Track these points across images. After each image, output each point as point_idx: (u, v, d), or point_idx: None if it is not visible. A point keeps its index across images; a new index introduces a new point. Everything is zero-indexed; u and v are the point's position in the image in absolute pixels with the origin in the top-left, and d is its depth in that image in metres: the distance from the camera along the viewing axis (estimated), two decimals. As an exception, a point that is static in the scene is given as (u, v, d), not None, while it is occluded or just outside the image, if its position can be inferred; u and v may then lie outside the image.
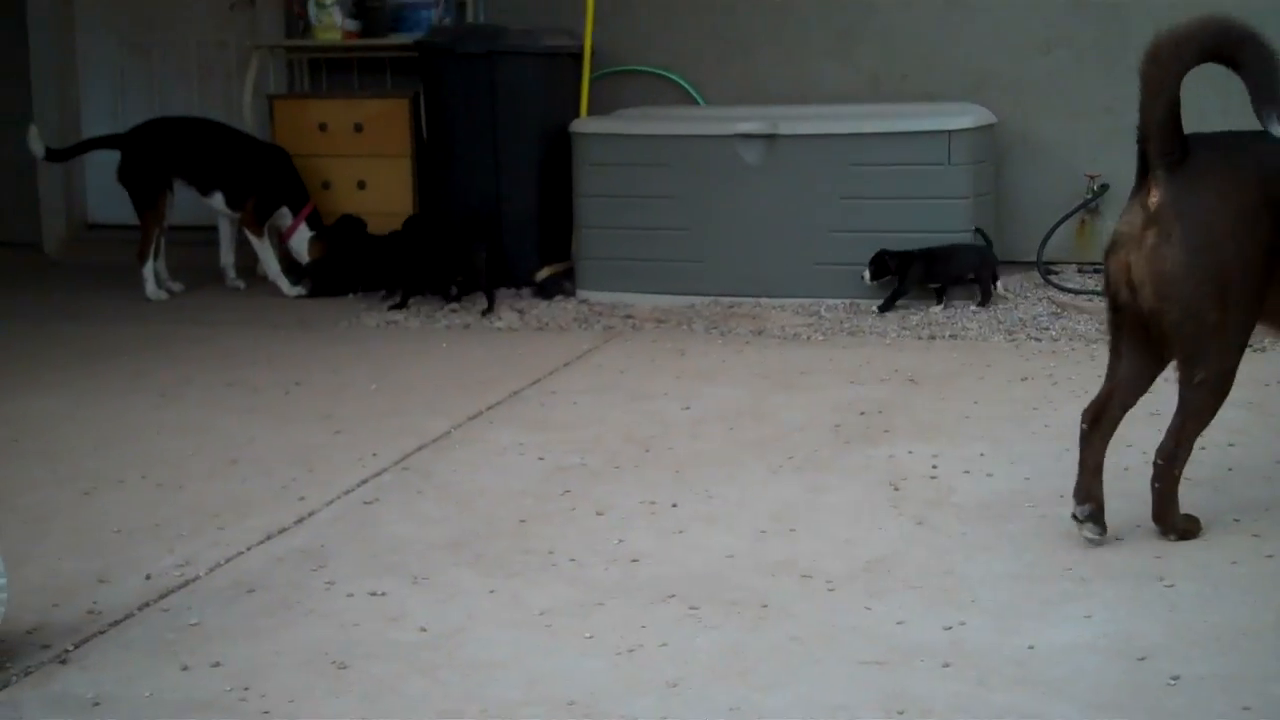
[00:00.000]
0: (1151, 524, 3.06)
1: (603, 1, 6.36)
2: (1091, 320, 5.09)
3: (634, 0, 6.55)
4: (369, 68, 6.96)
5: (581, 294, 5.82)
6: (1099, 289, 5.48)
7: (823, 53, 6.36)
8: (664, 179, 5.73)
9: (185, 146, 6.13)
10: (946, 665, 2.48)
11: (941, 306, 5.32)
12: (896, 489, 3.41)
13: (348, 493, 3.48)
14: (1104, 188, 5.91)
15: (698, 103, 6.49)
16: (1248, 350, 4.54)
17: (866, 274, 5.33)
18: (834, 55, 6.35)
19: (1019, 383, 4.31)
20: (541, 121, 6.09)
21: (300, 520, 3.30)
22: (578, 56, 6.28)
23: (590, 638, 2.64)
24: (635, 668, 2.52)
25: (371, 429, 4.00)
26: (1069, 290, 5.50)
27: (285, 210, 6.15)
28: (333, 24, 6.71)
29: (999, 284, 5.46)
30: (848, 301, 5.48)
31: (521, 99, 6.06)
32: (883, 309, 5.30)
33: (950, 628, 2.63)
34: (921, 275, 5.33)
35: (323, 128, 6.45)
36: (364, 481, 3.56)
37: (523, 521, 3.27)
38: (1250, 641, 2.53)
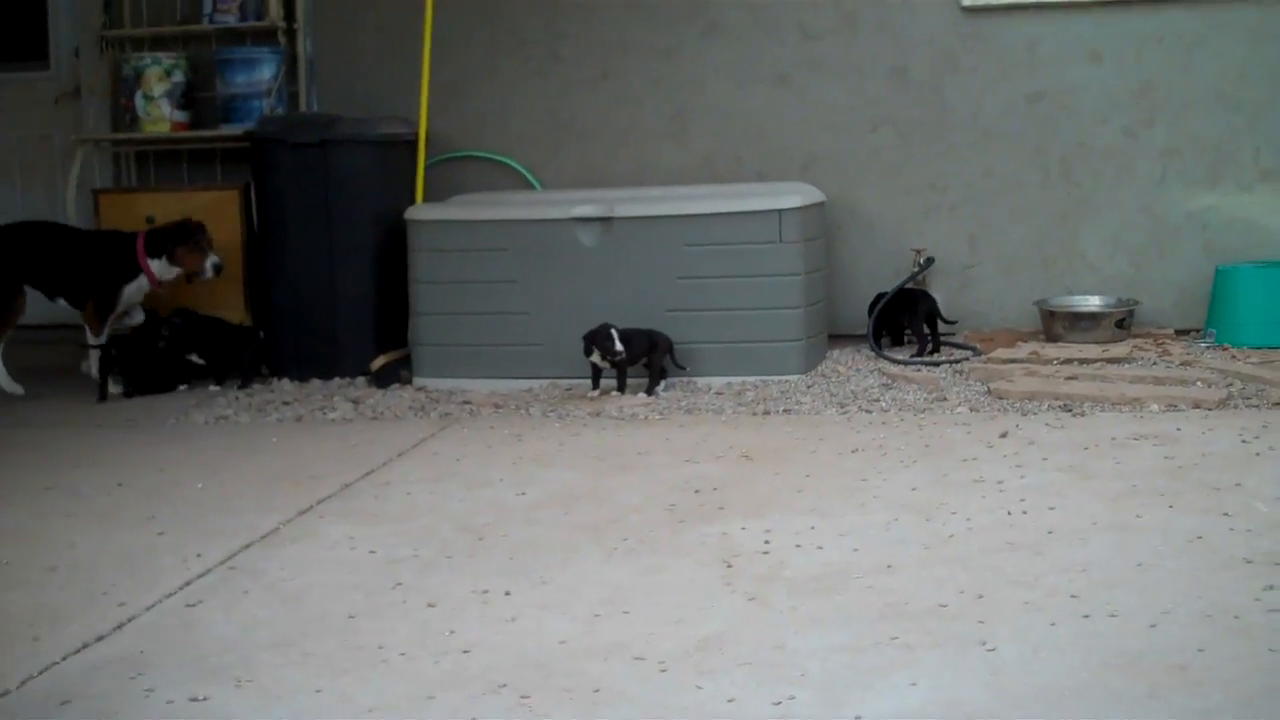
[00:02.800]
0: (980, 590, 3.12)
1: (437, 88, 6.39)
2: (920, 390, 5.21)
3: (469, 87, 6.59)
4: (199, 159, 6.88)
5: (418, 381, 5.78)
6: (928, 360, 5.63)
7: (657, 135, 6.46)
8: (501, 264, 5.74)
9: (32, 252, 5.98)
10: (775, 742, 2.49)
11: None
12: (729, 566, 3.42)
13: (170, 595, 3.37)
14: (929, 261, 6.07)
15: (534, 187, 6.53)
16: (1065, 414, 4.74)
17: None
18: (668, 137, 6.45)
19: (850, 454, 4.38)
20: (376, 209, 6.07)
21: (119, 626, 3.18)
22: (412, 143, 6.28)
23: (418, 734, 2.59)
24: (463, 762, 2.47)
25: (197, 529, 3.90)
26: (899, 362, 5.63)
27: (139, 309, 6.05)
28: (161, 116, 6.62)
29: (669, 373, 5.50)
30: (684, 380, 5.52)
31: (356, 187, 6.03)
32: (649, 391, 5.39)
33: (779, 703, 2.64)
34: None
35: (150, 221, 6.33)
36: (188, 583, 3.45)
37: (352, 617, 3.20)
38: (1071, 701, 2.57)
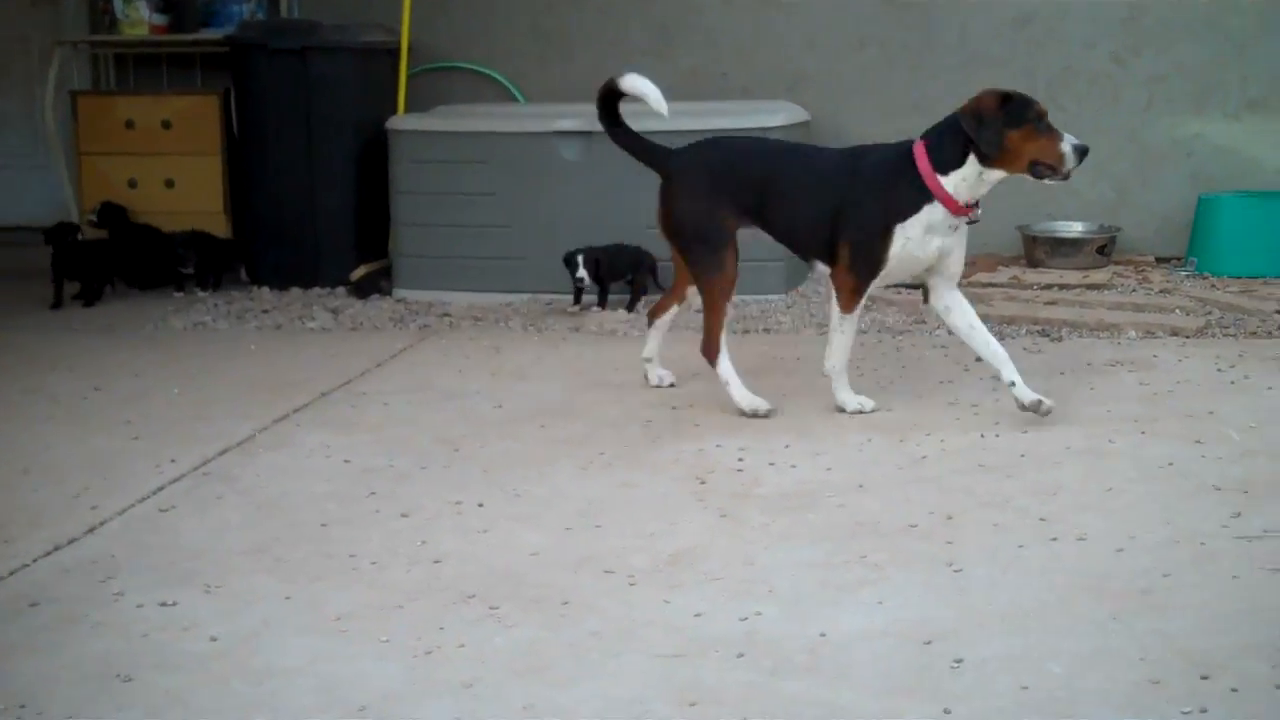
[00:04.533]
0: (950, 511, 3.15)
1: (421, -3, 6.31)
2: (900, 312, 5.21)
3: (453, -4, 6.50)
4: (178, 63, 6.79)
5: (398, 293, 5.76)
6: (909, 283, 5.61)
7: (642, 50, 6.39)
8: (483, 176, 5.70)
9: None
10: (741, 655, 2.51)
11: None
12: (703, 482, 3.44)
13: (143, 500, 3.38)
14: (914, 183, 6.03)
15: (517, 100, 6.47)
16: (1043, 339, 4.74)
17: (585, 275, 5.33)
18: (653, 53, 6.38)
19: (827, 375, 4.37)
20: (358, 118, 6.01)
21: (91, 530, 3.19)
22: (395, 52, 6.20)
23: (386, 641, 2.60)
24: (431, 670, 2.49)
25: (172, 434, 3.90)
26: (881, 284, 5.62)
27: None
28: (140, 18, 6.51)
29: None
30: (666, 297, 5.50)
31: (336, 95, 5.96)
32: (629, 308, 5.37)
33: (746, 618, 2.66)
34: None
35: (129, 125, 6.26)
36: (161, 488, 3.46)
37: (325, 525, 3.21)
38: (1034, 622, 2.60)
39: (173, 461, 3.65)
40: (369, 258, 5.95)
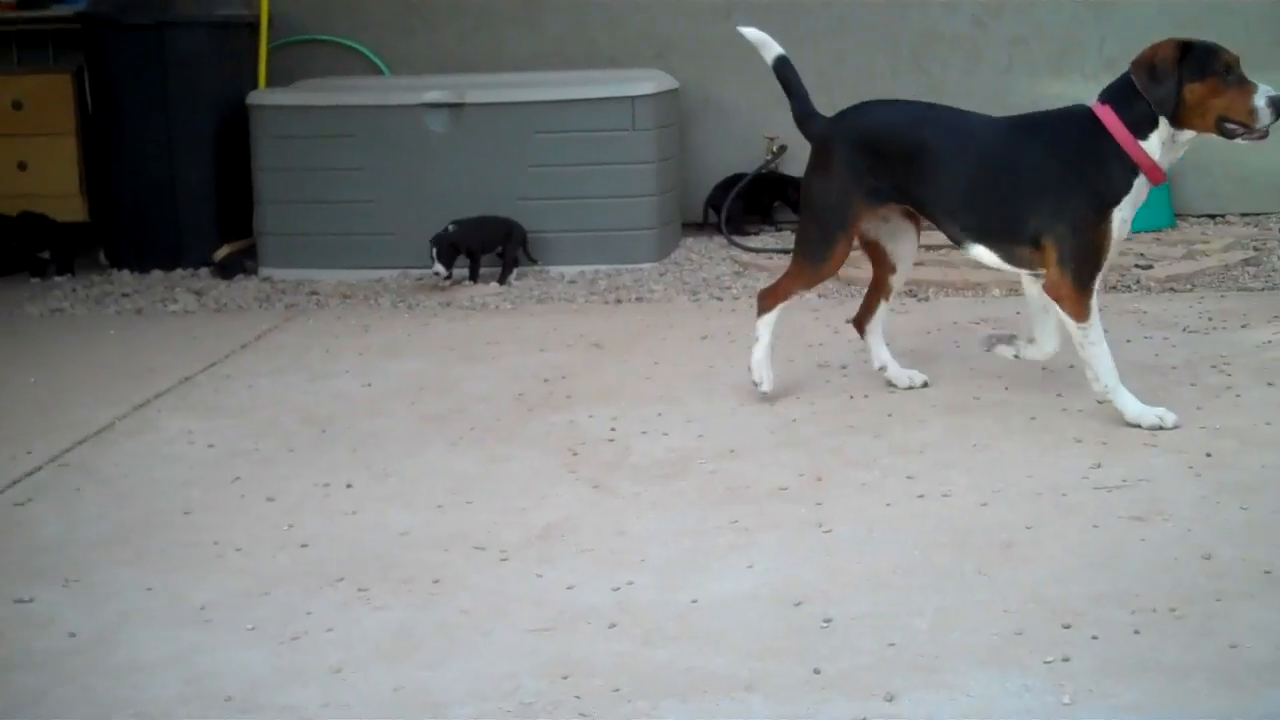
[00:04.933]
0: (819, 473, 3.18)
1: (281, -31, 6.18)
2: (772, 278, 5.22)
3: (313, -32, 6.37)
4: (29, 41, 6.55)
5: (264, 272, 5.64)
6: (780, 248, 5.66)
7: (509, 20, 6.32)
8: (349, 151, 5.60)
9: None
10: (613, 626, 2.50)
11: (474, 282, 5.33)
12: (575, 454, 3.42)
13: (-3, 494, 3.28)
14: (783, 148, 6.07)
15: (383, 72, 6.37)
16: (911, 299, 4.80)
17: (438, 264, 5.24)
18: (521, 23, 6.32)
19: (699, 342, 4.39)
20: (217, 94, 5.88)
21: (-57, 527, 3.08)
22: (254, 26, 6.07)
23: (252, 629, 2.55)
24: (298, 656, 2.45)
25: (28, 424, 3.78)
26: (751, 250, 5.65)
27: None
28: (-14, -5, 6.29)
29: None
30: (538, 269, 5.48)
31: (195, 71, 5.82)
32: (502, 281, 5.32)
33: (618, 588, 2.66)
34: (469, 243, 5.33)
35: (17, 107, 6.04)
36: (15, 481, 3.35)
37: (188, 513, 3.14)
38: (900, 579, 2.63)
39: (29, 453, 3.54)
40: (233, 237, 5.82)
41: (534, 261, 5.44)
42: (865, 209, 3.54)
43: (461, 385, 4.03)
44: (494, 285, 5.29)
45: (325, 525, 3.04)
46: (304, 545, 2.93)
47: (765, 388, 3.69)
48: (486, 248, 5.36)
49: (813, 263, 3.61)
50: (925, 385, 3.76)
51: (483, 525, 3.00)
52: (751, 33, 3.89)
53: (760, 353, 3.70)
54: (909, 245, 3.75)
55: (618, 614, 2.55)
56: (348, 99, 5.68)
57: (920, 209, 3.56)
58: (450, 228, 5.26)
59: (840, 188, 3.52)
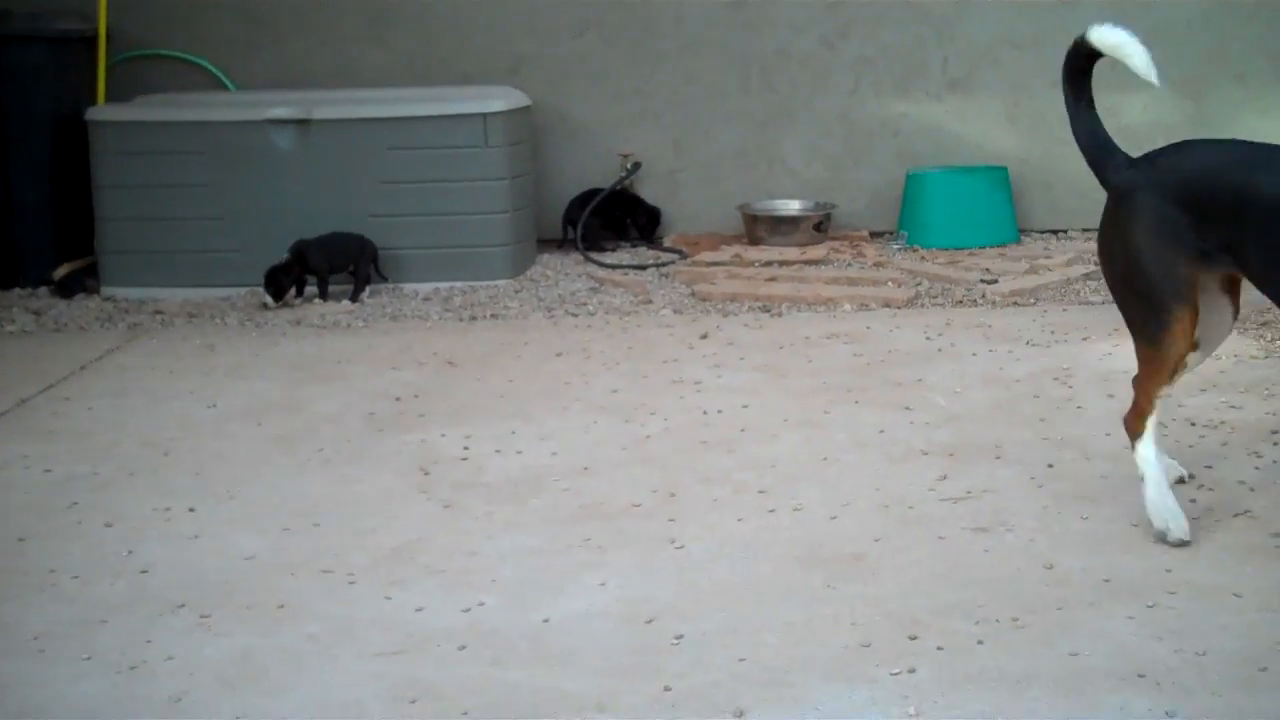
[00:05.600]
0: (672, 489, 3.18)
1: (120, -19, 6.03)
2: (627, 294, 5.24)
3: (156, -20, 6.22)
4: None
5: (106, 291, 5.47)
6: (635, 264, 5.67)
7: (358, 36, 6.24)
8: (193, 167, 5.47)
9: None
10: (463, 648, 2.47)
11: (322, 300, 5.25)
12: (427, 473, 3.38)
13: None
14: (637, 165, 6.09)
15: (227, 87, 6.23)
16: (765, 315, 4.85)
17: (269, 298, 5.14)
18: (369, 39, 6.24)
19: (554, 359, 4.37)
20: (54, 109, 5.69)
21: None
22: (92, 40, 5.90)
23: (88, 659, 2.46)
24: (136, 686, 2.37)
25: None
26: (607, 266, 5.65)
27: None
28: None
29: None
30: (391, 286, 5.41)
31: (30, 86, 5.64)
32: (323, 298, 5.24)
33: (469, 609, 2.62)
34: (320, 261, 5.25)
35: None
36: None
37: (21, 540, 3.02)
38: (751, 594, 2.64)
39: None
40: (73, 255, 5.64)
41: (385, 279, 5.37)
42: (1198, 273, 2.74)
43: (310, 405, 3.95)
44: (345, 303, 5.20)
45: (166, 550, 2.95)
46: (144, 571, 2.84)
47: (1176, 536, 2.78)
48: (336, 266, 5.28)
49: (1158, 348, 2.78)
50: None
51: (330, 548, 2.94)
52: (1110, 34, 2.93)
53: (1154, 490, 2.84)
54: (1222, 322, 2.92)
55: (468, 635, 2.52)
56: (190, 115, 5.56)
57: (1255, 274, 2.70)
58: (286, 255, 5.16)
59: (1162, 250, 2.73)
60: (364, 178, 5.48)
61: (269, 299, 5.12)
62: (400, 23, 6.22)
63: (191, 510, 3.17)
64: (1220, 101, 6.02)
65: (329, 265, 5.25)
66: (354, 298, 5.23)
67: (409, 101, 5.61)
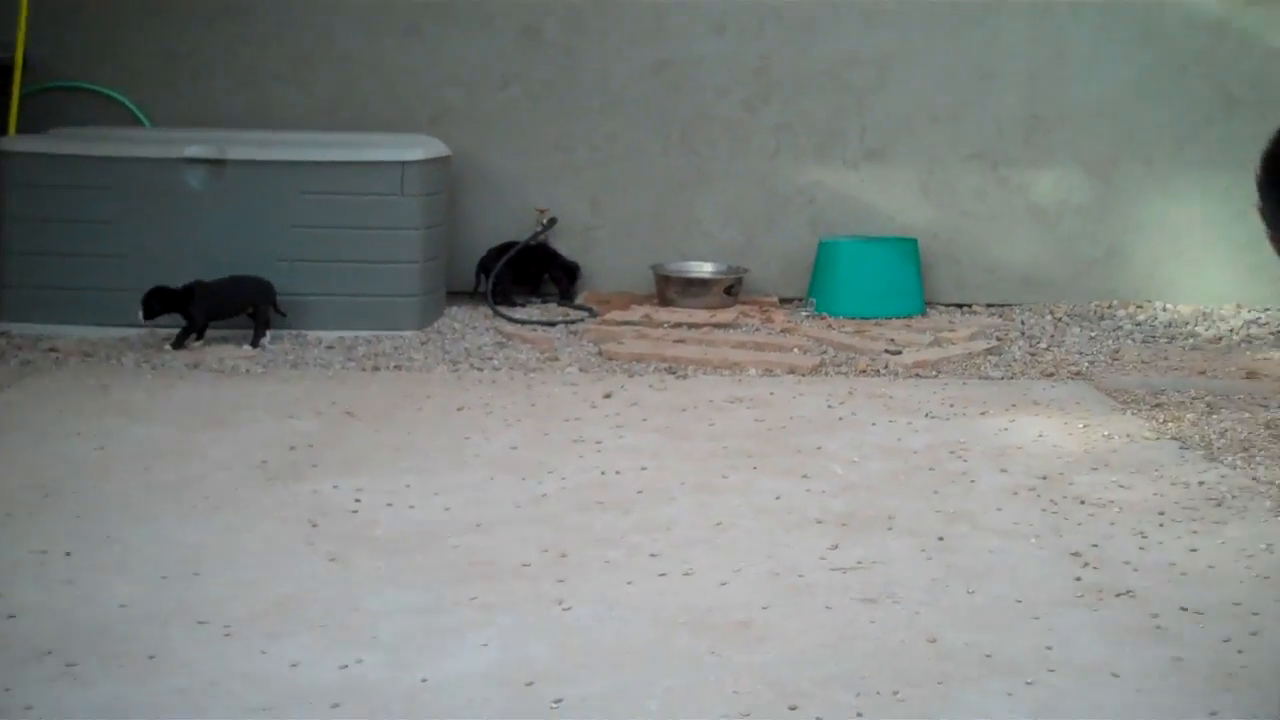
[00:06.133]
0: (564, 549, 3.15)
1: (39, 11, 5.94)
2: (534, 350, 5.22)
3: (76, 12, 6.14)
4: None
5: (2, 326, 5.35)
6: (544, 320, 5.66)
7: (280, 77, 6.20)
8: (103, 203, 5.39)
9: None
10: (336, 706, 2.42)
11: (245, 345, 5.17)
12: (315, 525, 3.32)
13: None
14: (553, 221, 6.08)
15: (142, 123, 6.16)
16: (670, 376, 4.85)
17: (140, 313, 5.06)
18: (292, 81, 6.20)
19: (455, 413, 4.33)
20: (-39, 138, 5.59)
21: None
22: (7, 69, 5.81)
23: (-56, 708, 2.38)
24: (-9, 737, 2.29)
25: None
26: (516, 321, 5.63)
27: None
28: None
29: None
30: (294, 333, 5.34)
31: (-63, 112, 5.54)
32: (175, 345, 5.10)
33: (346, 666, 2.57)
34: (207, 310, 5.16)
35: None
36: None
37: (-114, 580, 2.92)
38: (635, 659, 2.62)
39: None
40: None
41: (283, 314, 5.28)
42: None
43: (202, 451, 3.88)
44: (246, 348, 5.13)
45: (38, 595, 2.87)
46: (11, 616, 2.75)
47: None
48: (227, 312, 5.18)
49: None
50: None
51: (209, 598, 2.87)
52: None
53: None
54: None
55: (342, 694, 2.46)
56: (103, 149, 5.47)
57: None
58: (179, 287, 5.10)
59: None
60: (276, 221, 5.43)
61: (140, 314, 5.03)
62: (323, 66, 6.20)
63: (68, 554, 3.09)
64: (1128, 182, 6.15)
65: (211, 313, 5.13)
66: (255, 343, 5.16)
67: (326, 146, 5.57)
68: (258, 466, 3.76)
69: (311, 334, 5.35)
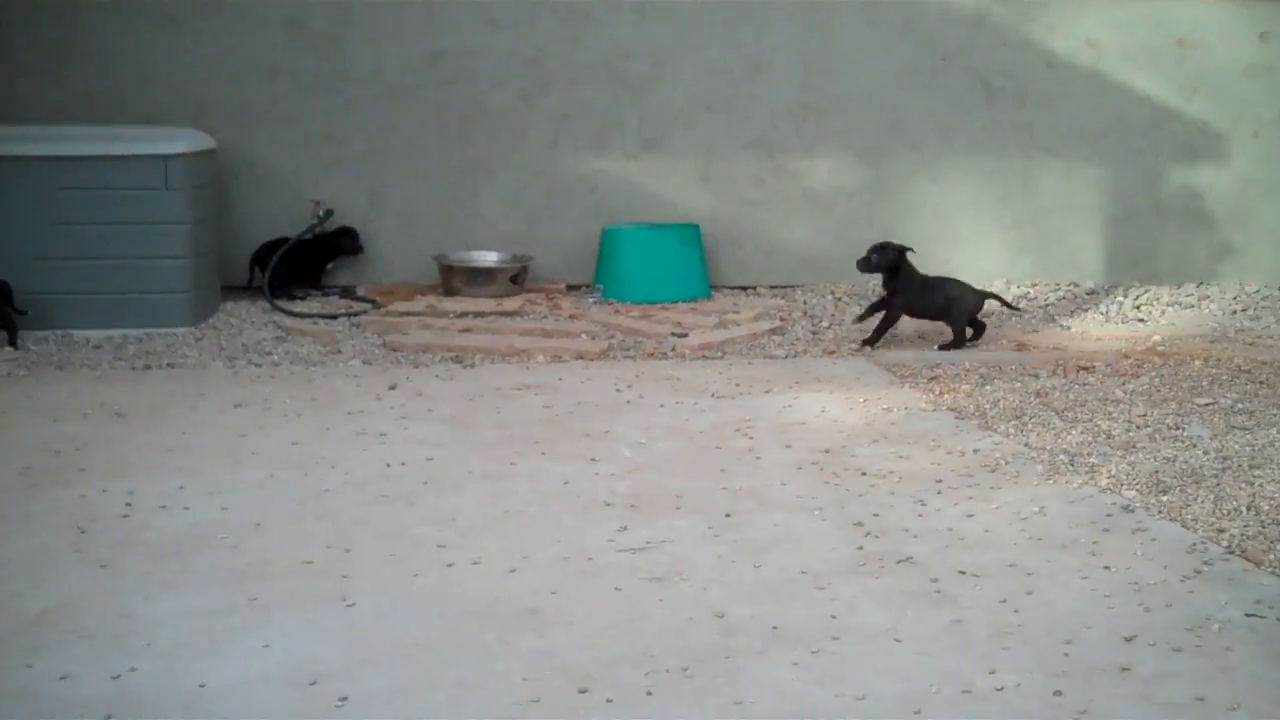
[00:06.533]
0: (348, 545, 3.07)
1: None
2: (315, 344, 5.09)
3: None
4: None
5: None
6: (325, 314, 5.52)
7: (29, 69, 5.90)
8: None
9: None
10: (108, 717, 2.30)
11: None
12: (83, 532, 3.16)
13: None
14: (329, 213, 5.94)
15: (-117, 119, 5.79)
16: (456, 366, 4.79)
17: None
18: (42, 72, 5.90)
19: (232, 410, 4.19)
20: None
21: None
22: None
23: None
24: None
25: None
26: (295, 314, 5.48)
27: None
28: None
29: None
30: (60, 333, 5.10)
31: None
32: None
33: (118, 676, 2.45)
34: None
35: None
36: None
37: None
38: (422, 652, 2.56)
39: None
40: None
41: (24, 313, 5.01)
42: None
43: (-42, 460, 3.66)
44: (8, 350, 4.87)
45: None
46: None
47: None
48: None
49: None
50: None
51: (-33, 614, 2.71)
52: None
53: None
54: None
55: (115, 704, 2.35)
56: None
57: None
58: None
59: None
60: (33, 218, 5.17)
61: None
62: (77, 58, 5.92)
63: None
64: (897, 168, 6.32)
65: None
66: (12, 343, 4.89)
67: (85, 140, 5.33)
68: (20, 473, 3.56)
69: (79, 334, 5.11)
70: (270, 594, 2.82)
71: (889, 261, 5.08)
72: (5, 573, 2.92)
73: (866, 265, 5.13)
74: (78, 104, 5.90)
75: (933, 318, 5.18)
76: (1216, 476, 3.56)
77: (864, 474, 3.61)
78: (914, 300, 5.11)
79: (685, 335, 5.26)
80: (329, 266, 5.98)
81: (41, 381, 4.54)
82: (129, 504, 3.35)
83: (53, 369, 4.71)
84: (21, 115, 5.81)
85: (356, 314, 5.53)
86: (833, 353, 5.08)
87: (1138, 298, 6.12)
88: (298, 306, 5.63)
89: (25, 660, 2.52)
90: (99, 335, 5.13)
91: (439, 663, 2.51)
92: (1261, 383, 4.61)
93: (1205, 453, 3.77)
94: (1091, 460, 3.72)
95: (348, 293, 5.91)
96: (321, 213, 5.93)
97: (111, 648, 2.57)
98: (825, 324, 5.55)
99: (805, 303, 5.90)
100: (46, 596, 2.80)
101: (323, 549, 3.07)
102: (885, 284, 5.14)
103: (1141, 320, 5.78)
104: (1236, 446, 3.82)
